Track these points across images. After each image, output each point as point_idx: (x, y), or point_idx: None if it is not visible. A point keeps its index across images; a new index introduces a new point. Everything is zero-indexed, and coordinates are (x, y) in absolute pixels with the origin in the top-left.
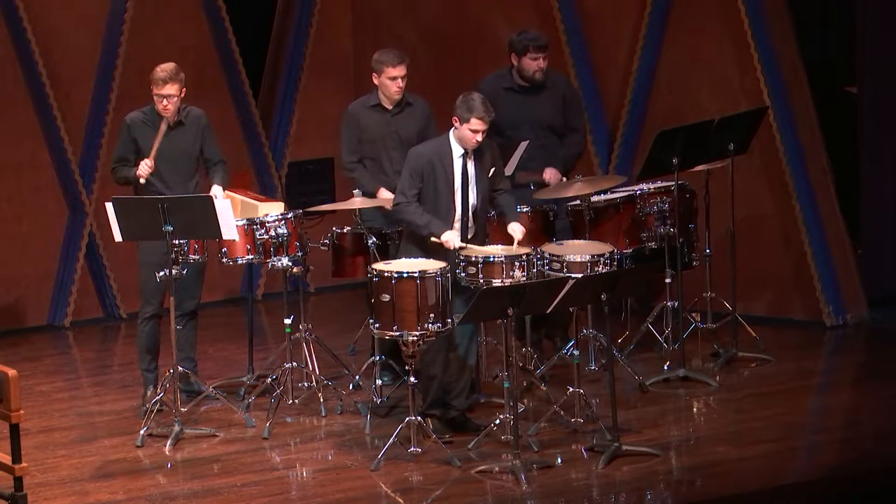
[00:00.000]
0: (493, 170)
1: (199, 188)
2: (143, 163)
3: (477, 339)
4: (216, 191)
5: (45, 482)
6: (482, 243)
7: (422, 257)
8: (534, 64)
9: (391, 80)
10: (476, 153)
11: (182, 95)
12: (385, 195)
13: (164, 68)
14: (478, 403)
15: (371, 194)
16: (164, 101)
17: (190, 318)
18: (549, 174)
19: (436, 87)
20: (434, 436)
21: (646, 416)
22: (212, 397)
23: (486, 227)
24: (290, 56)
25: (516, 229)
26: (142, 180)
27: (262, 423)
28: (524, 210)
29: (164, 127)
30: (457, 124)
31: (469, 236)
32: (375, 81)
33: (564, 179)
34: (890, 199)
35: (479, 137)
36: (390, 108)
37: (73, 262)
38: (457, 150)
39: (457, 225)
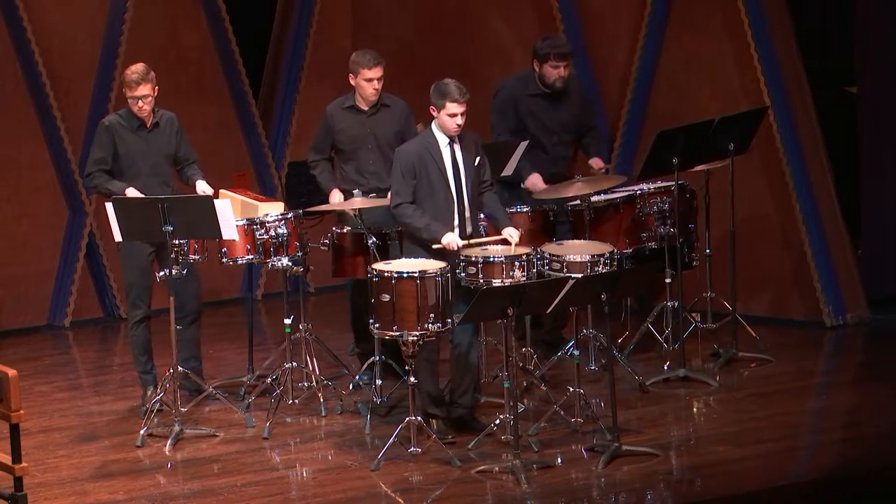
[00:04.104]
0: (478, 159)
1: (175, 191)
2: (135, 190)
3: (477, 338)
4: (205, 186)
5: (45, 482)
6: (475, 232)
7: (425, 257)
8: (554, 72)
9: (367, 82)
10: (461, 142)
11: (155, 95)
12: (335, 198)
13: (135, 70)
14: (478, 403)
15: (326, 194)
16: (140, 103)
17: (193, 320)
18: (596, 165)
19: None
20: (435, 436)
21: (646, 416)
22: (212, 397)
23: (478, 216)
24: (290, 56)
25: (513, 233)
26: None
27: (262, 423)
28: (524, 210)
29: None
30: (435, 113)
31: (467, 226)
32: (352, 82)
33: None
34: (890, 199)
35: (459, 121)
36: (366, 109)
37: (73, 262)
38: (442, 140)
39: (456, 214)
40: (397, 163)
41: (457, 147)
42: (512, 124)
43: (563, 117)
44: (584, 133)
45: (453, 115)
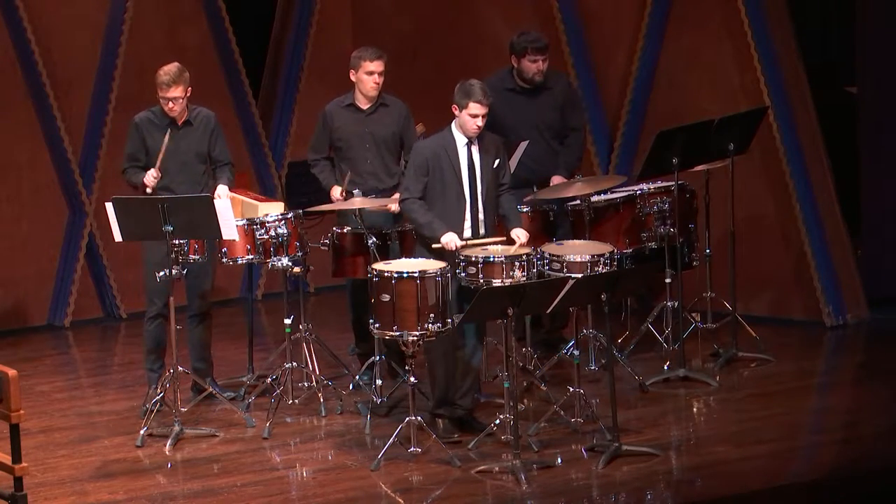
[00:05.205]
0: (497, 161)
1: (208, 189)
2: (149, 173)
3: (482, 340)
4: (221, 190)
5: (45, 482)
6: (490, 235)
7: (429, 257)
8: (532, 66)
9: (368, 76)
10: (480, 143)
11: (188, 95)
12: (336, 194)
13: (168, 71)
14: (478, 403)
15: (327, 191)
16: (170, 104)
17: (201, 320)
18: (556, 182)
19: (436, 87)
20: (435, 436)
21: (646, 416)
22: (212, 397)
23: (495, 219)
24: (290, 56)
25: (521, 234)
26: (148, 189)
27: (262, 423)
28: (524, 210)
29: (167, 139)
30: (456, 111)
31: (480, 228)
32: (353, 78)
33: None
34: (890, 199)
35: (479, 122)
36: (365, 107)
37: (73, 262)
38: (460, 140)
39: (468, 216)
40: (412, 158)
41: (474, 148)
42: None
43: (544, 112)
44: (564, 135)
45: (474, 116)
